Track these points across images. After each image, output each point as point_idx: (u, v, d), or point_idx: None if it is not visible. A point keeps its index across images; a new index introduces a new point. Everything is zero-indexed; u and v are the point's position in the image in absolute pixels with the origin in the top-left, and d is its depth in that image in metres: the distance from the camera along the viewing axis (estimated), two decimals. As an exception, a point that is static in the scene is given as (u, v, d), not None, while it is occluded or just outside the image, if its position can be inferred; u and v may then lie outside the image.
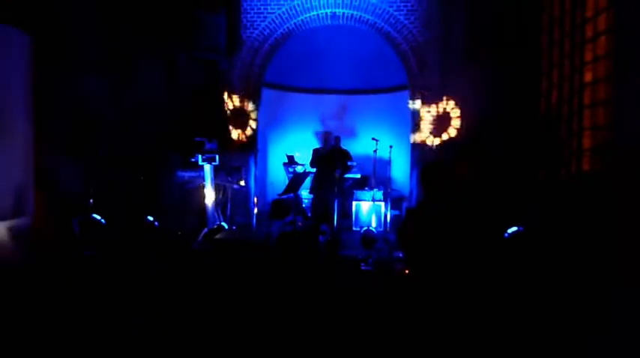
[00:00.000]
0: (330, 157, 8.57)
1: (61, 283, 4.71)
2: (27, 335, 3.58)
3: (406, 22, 8.90)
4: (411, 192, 9.43)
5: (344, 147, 9.75)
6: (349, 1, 8.93)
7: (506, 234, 6.07)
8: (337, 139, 9.73)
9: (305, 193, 9.65)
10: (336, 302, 4.45)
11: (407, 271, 5.25)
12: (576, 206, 5.32)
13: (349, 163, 9.23)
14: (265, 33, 9.14)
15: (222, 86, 9.08)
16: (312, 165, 8.84)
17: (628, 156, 4.51)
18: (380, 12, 8.89)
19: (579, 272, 4.35)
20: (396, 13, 8.89)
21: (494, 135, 7.93)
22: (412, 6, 8.89)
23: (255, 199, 9.26)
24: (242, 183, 8.22)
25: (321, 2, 8.97)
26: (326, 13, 9.05)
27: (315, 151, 8.86)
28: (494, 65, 8.34)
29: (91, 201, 6.70)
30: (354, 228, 9.01)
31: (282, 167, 10.08)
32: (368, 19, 8.99)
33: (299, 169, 9.33)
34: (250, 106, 9.37)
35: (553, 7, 7.15)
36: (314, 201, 8.86)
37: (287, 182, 8.98)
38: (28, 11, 6.43)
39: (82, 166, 7.15)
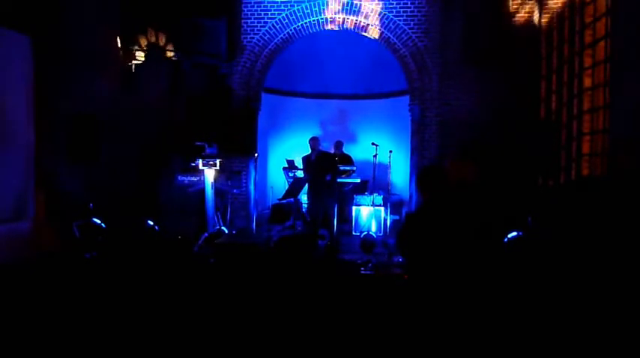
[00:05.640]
0: (318, 163, 8.49)
1: (62, 286, 4.71)
2: (27, 337, 3.59)
3: (405, 27, 8.93)
4: (410, 197, 9.44)
5: (345, 152, 9.78)
6: (349, 7, 8.97)
7: (505, 239, 6.08)
8: (339, 144, 9.74)
9: (305, 198, 9.66)
10: (335, 306, 4.45)
11: (406, 276, 5.25)
12: (575, 211, 5.33)
13: (348, 167, 9.23)
14: (265, 38, 9.17)
15: (223, 91, 9.10)
16: (304, 172, 8.81)
17: (626, 160, 4.53)
18: (379, 17, 8.93)
19: (579, 277, 4.36)
20: (395, 19, 8.92)
21: (493, 141, 7.95)
22: (411, 12, 8.92)
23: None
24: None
25: (321, 8, 9.01)
26: (326, 19, 9.09)
27: (303, 159, 8.80)
28: (494, 70, 8.39)
29: (92, 204, 6.71)
30: (353, 233, 9.01)
31: (282, 171, 10.09)
32: (367, 25, 9.03)
33: (299, 174, 9.34)
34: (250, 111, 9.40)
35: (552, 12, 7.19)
36: (308, 206, 8.86)
37: (287, 186, 8.99)
38: (30, 16, 6.46)
39: (83, 170, 7.17)
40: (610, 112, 5.57)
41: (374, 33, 9.12)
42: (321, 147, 8.71)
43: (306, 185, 8.77)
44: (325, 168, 8.36)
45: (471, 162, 6.46)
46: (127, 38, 8.11)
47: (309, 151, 8.61)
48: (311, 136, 8.78)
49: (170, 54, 8.44)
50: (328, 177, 8.41)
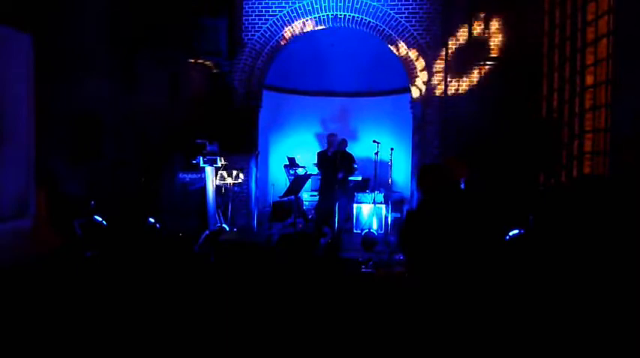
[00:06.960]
0: (334, 160, 8.55)
1: (63, 284, 4.72)
2: (27, 336, 3.59)
3: (407, 24, 8.91)
4: (411, 195, 9.44)
5: (348, 151, 9.78)
6: (350, 4, 8.94)
7: (507, 237, 6.07)
8: (343, 142, 9.74)
9: (306, 195, 9.66)
10: (336, 305, 4.45)
11: (407, 274, 5.25)
12: (577, 209, 5.32)
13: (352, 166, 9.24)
14: (267, 35, 9.16)
15: (224, 89, 9.09)
16: (318, 168, 8.86)
17: (628, 159, 4.51)
18: (381, 14, 8.90)
19: (580, 275, 4.36)
20: (397, 16, 8.90)
21: (494, 138, 7.94)
22: (413, 9, 8.90)
23: None
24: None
25: (323, 5, 8.99)
26: (327, 16, 9.06)
27: (320, 155, 8.85)
28: (496, 68, 8.37)
29: (93, 203, 6.71)
30: (354, 231, 9.01)
31: (283, 169, 10.10)
32: (369, 22, 9.00)
33: (300, 171, 9.34)
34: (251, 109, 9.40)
35: (554, 10, 7.17)
36: (319, 204, 8.86)
37: (288, 184, 8.99)
38: (31, 14, 6.45)
39: (84, 168, 7.16)
40: (612, 110, 5.56)
41: (376, 30, 9.07)
42: (336, 145, 8.78)
43: (308, 182, 8.81)
44: (340, 165, 8.42)
45: (464, 159, 6.46)
46: (129, 37, 8.10)
47: (326, 147, 8.72)
48: (329, 133, 8.93)
49: (172, 52, 8.43)
50: (340, 175, 8.44)
